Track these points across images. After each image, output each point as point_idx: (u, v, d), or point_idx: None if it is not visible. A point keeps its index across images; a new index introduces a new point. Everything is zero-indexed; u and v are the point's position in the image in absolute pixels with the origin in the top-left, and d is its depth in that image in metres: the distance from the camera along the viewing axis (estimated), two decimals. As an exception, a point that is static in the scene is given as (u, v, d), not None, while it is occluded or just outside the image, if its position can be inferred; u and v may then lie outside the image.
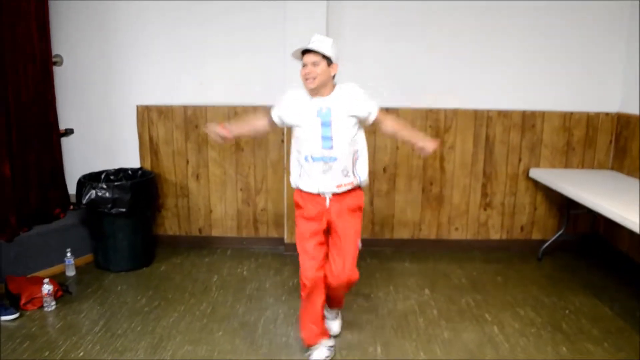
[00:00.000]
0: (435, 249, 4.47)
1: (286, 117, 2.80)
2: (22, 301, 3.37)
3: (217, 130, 2.85)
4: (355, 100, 2.73)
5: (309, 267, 2.72)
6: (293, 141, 2.83)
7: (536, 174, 4.27)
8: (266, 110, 2.87)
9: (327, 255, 2.81)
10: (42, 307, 3.40)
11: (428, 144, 2.74)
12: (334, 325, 3.10)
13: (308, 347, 2.86)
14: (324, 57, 2.63)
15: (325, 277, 2.75)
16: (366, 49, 4.18)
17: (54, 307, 3.41)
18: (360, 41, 4.17)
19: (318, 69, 2.62)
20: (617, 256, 4.23)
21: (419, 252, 4.41)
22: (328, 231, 2.82)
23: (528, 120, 4.30)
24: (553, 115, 4.30)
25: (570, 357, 2.92)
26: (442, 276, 3.98)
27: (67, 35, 4.19)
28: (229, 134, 2.86)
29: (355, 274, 2.77)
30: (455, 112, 4.27)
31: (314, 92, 2.69)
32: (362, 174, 2.81)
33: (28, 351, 2.92)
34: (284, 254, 4.33)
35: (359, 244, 2.83)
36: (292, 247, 4.30)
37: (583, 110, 4.29)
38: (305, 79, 2.66)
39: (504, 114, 4.29)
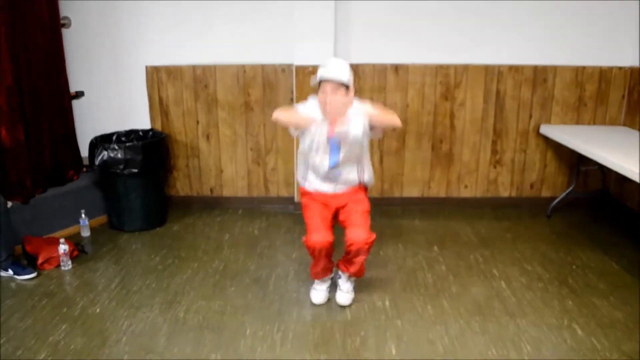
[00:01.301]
0: (445, 207, 4.49)
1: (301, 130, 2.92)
2: (39, 261, 3.47)
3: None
4: (365, 115, 2.81)
5: (315, 232, 2.83)
6: (301, 145, 2.94)
7: (547, 130, 4.24)
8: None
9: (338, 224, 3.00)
10: (58, 266, 3.49)
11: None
12: (345, 298, 3.06)
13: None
14: (342, 83, 2.71)
15: (346, 244, 2.85)
16: (376, 5, 4.12)
17: (70, 267, 3.50)
18: (368, -3, 4.12)
19: (338, 98, 2.72)
20: (627, 213, 4.22)
21: (429, 210, 4.44)
22: (336, 213, 3.00)
23: (539, 75, 4.24)
24: (565, 69, 4.23)
25: (577, 310, 2.97)
26: (451, 233, 4.01)
27: (74, -4, 4.18)
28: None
29: (371, 236, 2.84)
30: (466, 68, 4.22)
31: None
32: (366, 179, 3.01)
33: (47, 308, 3.02)
34: (295, 213, 4.37)
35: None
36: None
37: (596, 65, 4.22)
38: (325, 106, 2.75)
39: (515, 69, 4.23)
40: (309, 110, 2.85)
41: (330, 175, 2.91)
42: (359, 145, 2.86)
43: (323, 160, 2.87)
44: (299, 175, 3.07)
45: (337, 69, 2.74)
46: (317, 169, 2.92)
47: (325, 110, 2.77)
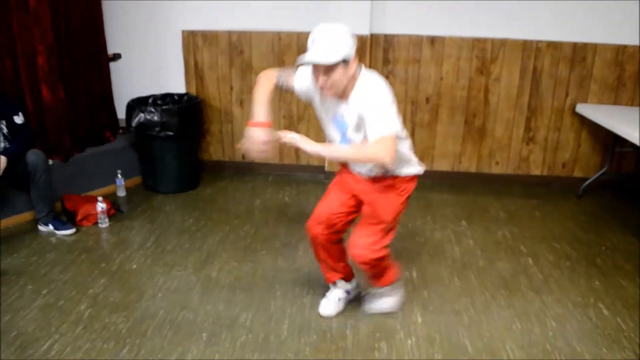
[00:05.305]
0: (475, 182, 4.49)
1: (308, 95, 2.45)
2: (78, 217, 3.60)
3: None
4: (362, 114, 2.18)
5: (314, 213, 2.56)
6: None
7: (583, 109, 4.18)
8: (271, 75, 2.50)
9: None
10: (96, 223, 3.62)
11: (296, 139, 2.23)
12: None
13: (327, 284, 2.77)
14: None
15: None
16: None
17: (107, 224, 3.62)
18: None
19: (333, 77, 2.11)
20: (661, 195, 4.18)
21: (458, 185, 4.45)
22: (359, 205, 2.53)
23: (579, 53, 4.16)
24: (605, 48, 4.14)
25: (603, 290, 2.98)
26: (480, 209, 4.02)
27: (114, -42, 4.22)
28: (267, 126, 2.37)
29: (366, 255, 2.42)
30: (503, 42, 4.17)
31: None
32: (402, 169, 2.41)
33: (86, 262, 3.15)
34: (325, 182, 4.42)
35: (390, 226, 2.47)
36: (333, 175, 4.38)
37: (637, 44, 4.12)
38: (321, 88, 2.19)
39: (553, 46, 4.16)
40: (305, 79, 2.38)
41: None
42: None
43: (335, 136, 2.39)
44: None
45: (322, 48, 2.08)
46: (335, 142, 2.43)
47: (322, 93, 2.26)
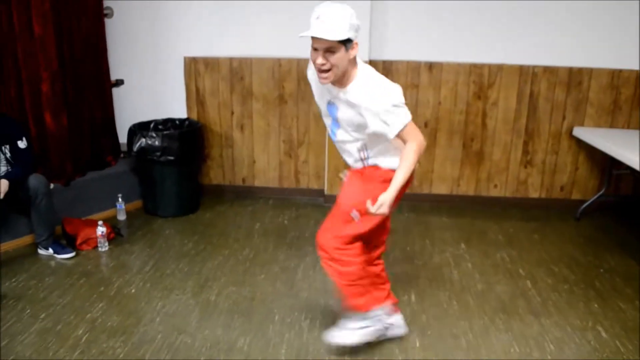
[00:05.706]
0: (473, 206, 4.50)
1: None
2: (78, 241, 3.61)
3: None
4: (366, 109, 2.14)
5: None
6: None
7: (580, 132, 4.22)
8: None
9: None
10: (96, 247, 3.63)
11: (386, 203, 2.17)
12: (336, 335, 2.55)
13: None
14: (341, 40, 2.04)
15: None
16: (411, 2, 4.15)
17: (107, 248, 3.64)
18: (405, -6, 4.15)
19: (333, 58, 2.06)
20: (659, 218, 4.19)
21: (457, 208, 4.46)
22: None
23: (575, 77, 4.22)
24: (601, 72, 4.19)
25: (602, 313, 2.98)
26: (478, 232, 4.03)
27: (118, -13, 4.30)
28: None
29: (325, 242, 2.35)
30: (500, 68, 4.22)
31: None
32: (384, 160, 2.36)
33: (85, 286, 3.16)
34: (324, 205, 4.44)
35: (354, 215, 2.34)
36: (332, 199, 4.41)
37: (632, 68, 4.17)
38: (318, 70, 2.13)
39: (550, 70, 4.21)
40: (313, 71, 2.32)
41: (338, 144, 2.42)
42: (358, 132, 2.27)
43: (327, 119, 2.39)
44: None
45: (327, 24, 2.02)
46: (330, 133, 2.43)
47: (319, 77, 2.16)
